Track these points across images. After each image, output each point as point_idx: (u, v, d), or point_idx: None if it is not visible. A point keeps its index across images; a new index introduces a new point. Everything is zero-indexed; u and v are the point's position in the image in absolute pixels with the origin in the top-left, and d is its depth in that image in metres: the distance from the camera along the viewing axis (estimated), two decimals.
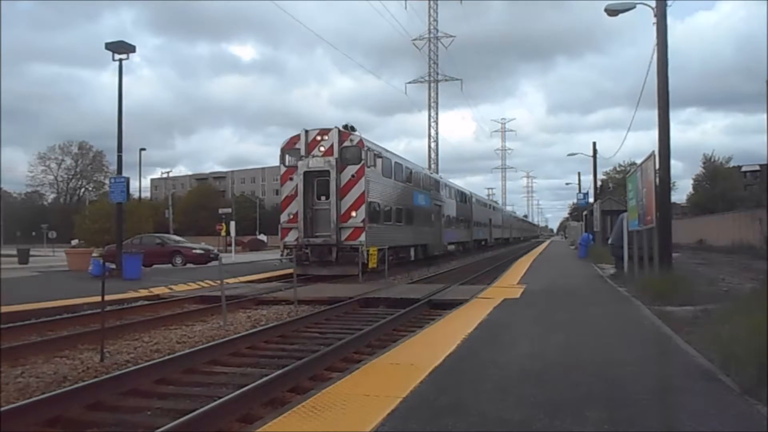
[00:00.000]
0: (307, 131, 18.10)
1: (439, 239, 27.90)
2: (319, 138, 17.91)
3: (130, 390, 5.47)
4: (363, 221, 17.28)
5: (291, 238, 17.73)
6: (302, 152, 17.87)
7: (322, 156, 17.67)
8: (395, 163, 21.79)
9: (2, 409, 4.51)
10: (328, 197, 17.48)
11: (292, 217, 17.75)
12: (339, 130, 17.82)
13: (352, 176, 17.55)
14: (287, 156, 18.46)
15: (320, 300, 11.77)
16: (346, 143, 17.84)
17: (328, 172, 17.38)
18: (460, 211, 34.52)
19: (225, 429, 4.41)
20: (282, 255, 18.51)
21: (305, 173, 17.57)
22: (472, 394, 4.40)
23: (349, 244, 17.21)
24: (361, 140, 17.91)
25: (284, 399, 5.11)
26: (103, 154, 76.65)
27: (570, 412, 3.93)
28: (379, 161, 18.96)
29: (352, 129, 18.32)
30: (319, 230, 17.54)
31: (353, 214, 17.34)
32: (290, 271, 16.61)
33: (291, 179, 17.94)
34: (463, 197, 36.37)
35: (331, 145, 17.66)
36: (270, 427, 3.71)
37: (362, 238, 17.14)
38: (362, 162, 17.59)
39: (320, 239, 17.33)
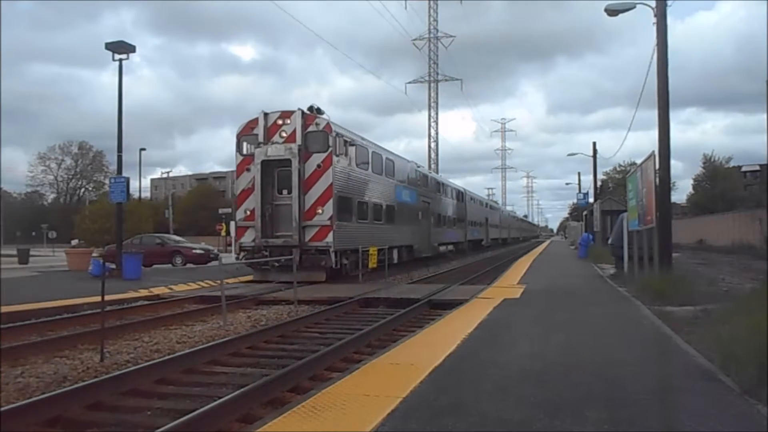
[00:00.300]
0: (266, 114, 15.87)
1: (427, 240, 25.76)
2: (280, 122, 15.71)
3: (130, 390, 5.47)
4: (330, 219, 15.14)
5: (248, 238, 15.68)
6: (261, 138, 15.67)
7: (284, 143, 15.49)
8: (373, 153, 19.30)
9: (2, 409, 4.51)
10: (290, 191, 15.38)
11: (248, 213, 15.60)
12: (303, 113, 15.60)
13: (318, 166, 15.24)
14: (244, 143, 16.17)
15: (320, 300, 11.77)
16: (311, 128, 15.55)
17: (289, 161, 15.11)
18: (452, 209, 32.50)
19: (225, 429, 4.41)
20: (237, 258, 16.26)
21: (263, 163, 15.28)
22: (472, 394, 4.40)
23: (314, 245, 15.12)
24: (328, 124, 15.59)
25: (284, 399, 5.11)
26: (103, 154, 76.67)
27: (570, 412, 3.92)
28: (352, 150, 16.84)
29: (319, 111, 15.90)
30: (281, 229, 15.41)
31: (319, 210, 15.16)
32: (249, 277, 16.04)
33: (248, 170, 15.72)
34: (456, 194, 34.20)
35: (294, 131, 15.49)
36: (270, 427, 3.71)
37: (329, 238, 15.06)
38: (330, 150, 15.32)
39: (281, 240, 15.21)
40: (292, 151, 15.11)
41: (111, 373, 5.97)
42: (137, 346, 7.74)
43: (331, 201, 15.18)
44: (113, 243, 18.89)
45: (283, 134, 15.63)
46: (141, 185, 45.71)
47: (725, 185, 62.42)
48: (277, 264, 14.41)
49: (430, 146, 55.31)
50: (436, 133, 55.57)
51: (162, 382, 5.83)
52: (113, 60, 17.86)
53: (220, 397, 4.91)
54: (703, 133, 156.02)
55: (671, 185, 15.95)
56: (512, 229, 68.09)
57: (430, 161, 53.56)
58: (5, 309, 9.49)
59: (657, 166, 11.58)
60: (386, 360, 5.64)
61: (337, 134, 15.69)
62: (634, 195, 13.48)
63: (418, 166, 26.05)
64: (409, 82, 57.67)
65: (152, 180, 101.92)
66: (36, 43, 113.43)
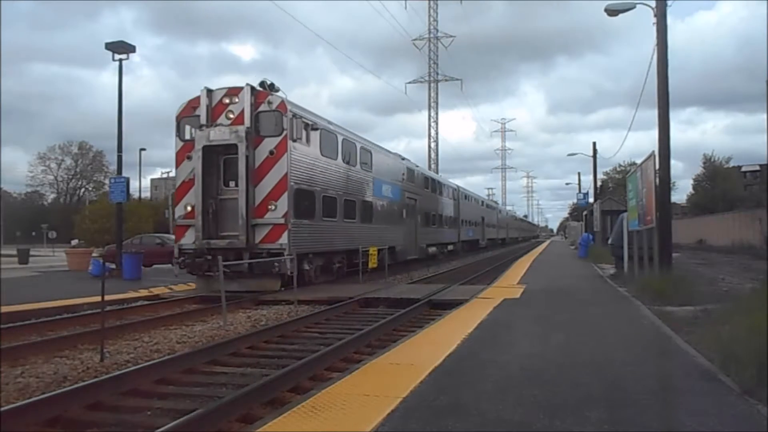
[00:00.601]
0: (210, 91, 13.49)
1: (413, 240, 23.27)
2: (227, 101, 13.33)
3: (130, 390, 5.47)
4: (285, 216, 12.79)
5: (188, 239, 13.27)
6: (203, 120, 13.25)
7: (231, 125, 13.12)
8: (344, 140, 16.66)
9: (2, 409, 4.52)
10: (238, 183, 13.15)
11: (189, 210, 13.28)
12: (252, 89, 13.26)
13: (271, 153, 12.93)
14: (186, 127, 13.69)
15: (320, 300, 11.77)
16: (263, 107, 13.21)
17: (236, 146, 12.79)
18: (444, 207, 30.06)
19: (225, 429, 4.41)
20: (176, 263, 13.54)
21: (205, 149, 12.91)
22: (472, 394, 4.39)
23: (265, 247, 12.79)
24: (282, 103, 13.16)
25: (284, 399, 5.11)
26: (103, 154, 76.64)
27: (570, 412, 3.93)
28: (315, 135, 14.46)
29: (272, 88, 13.63)
30: (227, 229, 13.11)
31: (271, 206, 12.82)
32: (188, 287, 14.07)
33: (188, 158, 13.36)
34: (448, 192, 31.85)
35: (242, 111, 13.13)
36: (270, 427, 3.71)
37: (283, 239, 12.71)
38: (285, 133, 12.94)
39: (225, 241, 12.84)
40: (238, 135, 12.75)
41: (111, 373, 5.98)
42: (137, 346, 7.74)
43: (285, 195, 12.83)
44: (113, 243, 18.91)
45: (230, 115, 13.28)
46: (141, 185, 45.77)
47: (725, 185, 62.44)
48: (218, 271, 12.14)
49: (430, 146, 55.33)
50: (436, 133, 55.59)
51: (162, 382, 5.83)
52: (113, 60, 17.93)
53: (220, 397, 4.91)
54: (704, 133, 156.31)
55: (671, 185, 15.94)
56: (511, 229, 67.04)
57: (430, 161, 53.57)
58: (5, 309, 9.50)
59: (657, 166, 11.58)
60: (386, 360, 5.64)
61: (295, 115, 13.22)
62: (634, 195, 13.48)
63: (403, 159, 23.56)
64: (409, 82, 57.61)
65: (152, 180, 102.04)
66: (36, 43, 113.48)
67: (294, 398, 4.89)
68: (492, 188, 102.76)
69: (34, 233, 53.15)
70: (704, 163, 68.18)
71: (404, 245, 21.75)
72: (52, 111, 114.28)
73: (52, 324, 9.35)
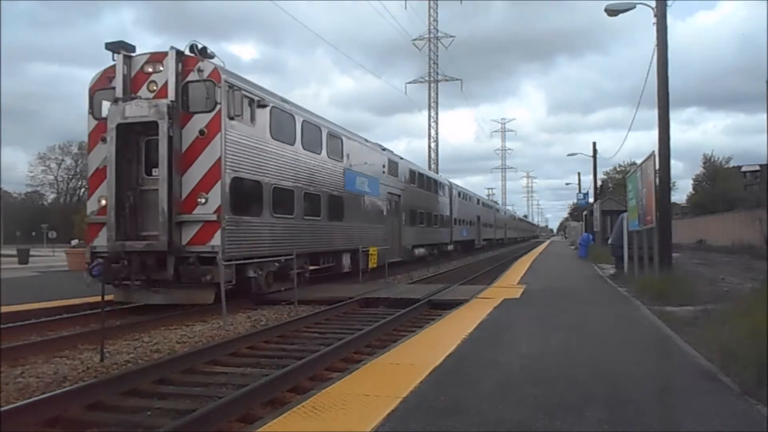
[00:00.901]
0: (129, 57, 10.90)
1: (396, 241, 20.78)
2: (149, 69, 10.79)
3: (130, 390, 5.47)
4: (218, 211, 10.31)
5: (102, 240, 10.66)
6: (119, 92, 10.70)
7: (153, 98, 10.53)
8: (305, 122, 13.84)
9: (2, 409, 4.52)
10: None
11: (104, 204, 10.63)
12: (179, 54, 10.64)
13: (201, 133, 10.45)
14: (102, 102, 11.10)
15: (320, 300, 11.77)
16: (192, 76, 10.65)
17: (156, 125, 10.22)
18: (433, 204, 27.47)
19: (225, 429, 4.41)
20: (88, 269, 10.69)
21: (121, 128, 10.36)
22: (472, 394, 4.40)
23: (193, 250, 10.24)
24: (216, 71, 10.58)
25: (284, 399, 5.11)
26: None
27: (570, 412, 3.93)
28: (263, 114, 11.84)
29: (204, 53, 10.81)
30: (148, 227, 10.54)
31: (201, 198, 10.39)
32: (95, 298, 9.78)
33: (103, 140, 10.70)
34: (439, 188, 29.40)
35: (166, 82, 10.57)
36: (270, 427, 3.71)
37: (216, 240, 10.24)
38: (218, 108, 10.46)
39: (143, 243, 10.28)
40: (158, 110, 10.18)
41: (111, 373, 5.98)
42: (137, 346, 7.74)
43: (218, 185, 10.39)
44: None
45: (153, 87, 10.74)
46: None
47: (725, 185, 62.43)
48: (137, 281, 10.37)
49: (430, 146, 55.32)
50: (436, 133, 55.57)
51: (162, 382, 5.83)
52: (113, 60, 17.86)
53: (220, 397, 4.91)
54: (704, 133, 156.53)
55: (671, 185, 15.92)
56: (509, 228, 65.62)
57: (430, 161, 53.59)
58: (5, 309, 9.50)
59: (657, 166, 11.60)
60: (386, 360, 5.64)
61: (233, 87, 10.74)
62: (634, 195, 13.49)
63: (384, 149, 20.84)
64: (409, 82, 57.50)
65: None
66: (36, 43, 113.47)
67: (294, 398, 4.89)
68: (492, 188, 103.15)
69: (34, 233, 53.12)
70: (704, 163, 68.22)
71: (384, 246, 18.84)
72: (52, 111, 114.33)
73: (52, 324, 9.36)
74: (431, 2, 55.29)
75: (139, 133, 10.60)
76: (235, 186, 10.85)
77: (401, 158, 23.11)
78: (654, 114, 12.33)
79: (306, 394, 4.64)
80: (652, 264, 11.76)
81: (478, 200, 44.20)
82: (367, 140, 19.06)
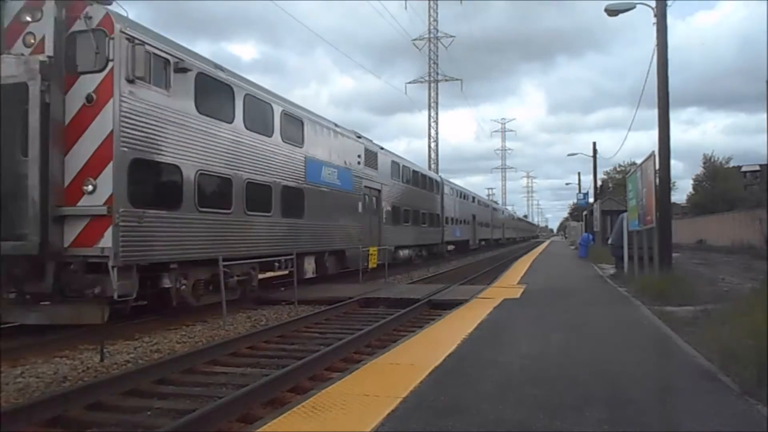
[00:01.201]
0: (3, 2, 8.46)
1: (374, 242, 18.23)
2: (27, 18, 8.28)
3: (130, 390, 5.47)
4: (108, 202, 7.88)
5: None
6: None
7: (30, 54, 8.06)
8: (247, 96, 11.35)
9: (2, 409, 4.52)
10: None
11: None
12: None
13: (88, 99, 8.05)
14: None
15: (320, 300, 11.76)
16: (78, 26, 8.27)
17: (26, 88, 7.77)
18: (420, 201, 24.77)
19: (225, 429, 4.42)
20: None
21: None
22: (473, 394, 4.40)
23: (78, 254, 7.92)
24: (108, 17, 8.20)
25: (284, 399, 5.11)
26: None
27: (570, 411, 3.93)
28: (183, 80, 9.42)
29: None
30: (21, 223, 7.73)
31: (87, 186, 7.96)
32: None
33: None
34: (428, 183, 26.73)
35: (45, 35, 8.16)
36: (270, 427, 3.71)
37: (106, 240, 7.81)
38: (110, 66, 8.05)
39: (10, 245, 7.58)
40: (29, 69, 7.76)
41: (111, 373, 5.98)
42: (137, 346, 7.74)
43: (110, 167, 7.97)
44: None
45: (31, 39, 8.28)
46: None
47: (725, 185, 62.42)
48: (11, 294, 8.14)
49: (430, 146, 55.27)
50: (436, 133, 55.50)
51: (162, 382, 5.83)
52: None
53: (220, 397, 4.92)
54: (704, 133, 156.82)
55: (671, 185, 15.91)
56: (508, 228, 64.10)
57: (430, 161, 53.55)
58: None
59: (657, 166, 11.60)
60: (386, 360, 5.64)
61: (133, 40, 8.31)
62: (634, 195, 13.49)
63: (359, 137, 18.11)
64: (409, 82, 57.32)
65: None
66: None
67: (294, 398, 4.89)
68: (492, 188, 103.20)
69: None
70: (704, 163, 68.14)
71: (359, 247, 16.60)
72: None
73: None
74: (431, 2, 55.23)
75: (15, 101, 7.81)
76: (136, 170, 8.33)
77: (382, 148, 20.36)
78: (654, 114, 12.35)
79: (306, 394, 4.64)
80: (652, 264, 11.76)
81: (474, 198, 41.73)
82: (337, 125, 16.39)
